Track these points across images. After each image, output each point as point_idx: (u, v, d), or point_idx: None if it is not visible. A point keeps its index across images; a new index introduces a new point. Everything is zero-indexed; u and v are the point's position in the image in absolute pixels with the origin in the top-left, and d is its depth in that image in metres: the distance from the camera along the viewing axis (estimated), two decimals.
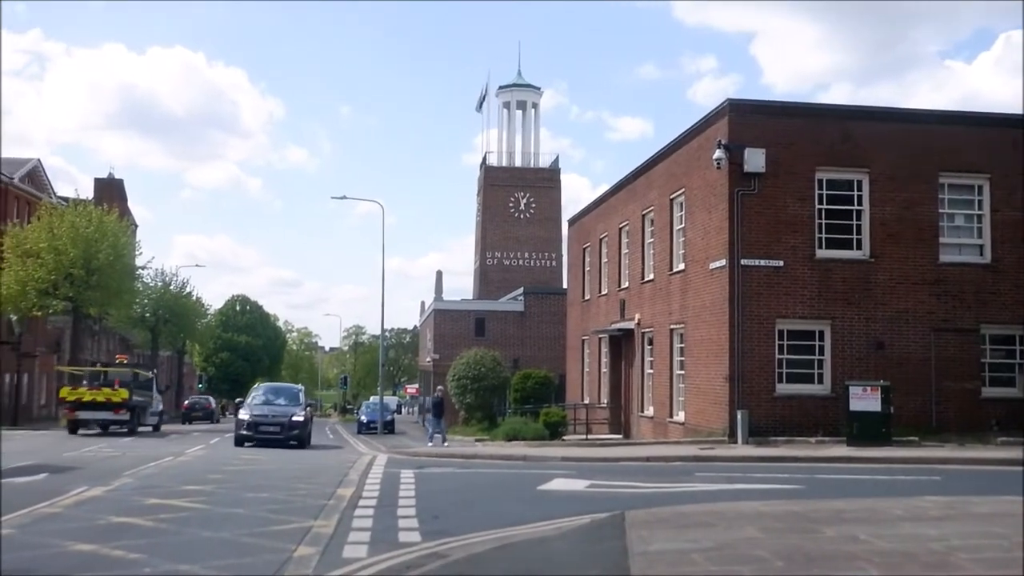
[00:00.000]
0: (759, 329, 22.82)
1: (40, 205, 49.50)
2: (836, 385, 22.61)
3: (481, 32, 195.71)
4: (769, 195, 23.12)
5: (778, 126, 23.73)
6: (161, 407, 40.62)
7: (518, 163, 73.83)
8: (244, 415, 27.61)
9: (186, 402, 59.03)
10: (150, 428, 37.62)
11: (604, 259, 34.71)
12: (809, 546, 7.45)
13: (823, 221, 23.50)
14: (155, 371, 48.56)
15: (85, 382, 34.95)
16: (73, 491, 13.92)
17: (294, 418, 27.20)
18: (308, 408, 29.78)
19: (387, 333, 70.09)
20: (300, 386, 31.41)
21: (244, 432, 26.93)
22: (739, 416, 22.05)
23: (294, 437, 26.90)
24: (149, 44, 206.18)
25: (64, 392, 34.12)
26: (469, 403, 42.74)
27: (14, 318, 43.63)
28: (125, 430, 33.59)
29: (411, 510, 11.83)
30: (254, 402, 28.46)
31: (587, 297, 37.17)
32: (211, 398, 62.00)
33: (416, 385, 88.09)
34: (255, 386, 31.59)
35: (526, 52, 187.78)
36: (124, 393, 33.17)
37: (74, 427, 33.35)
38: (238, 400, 45.89)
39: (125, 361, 41.48)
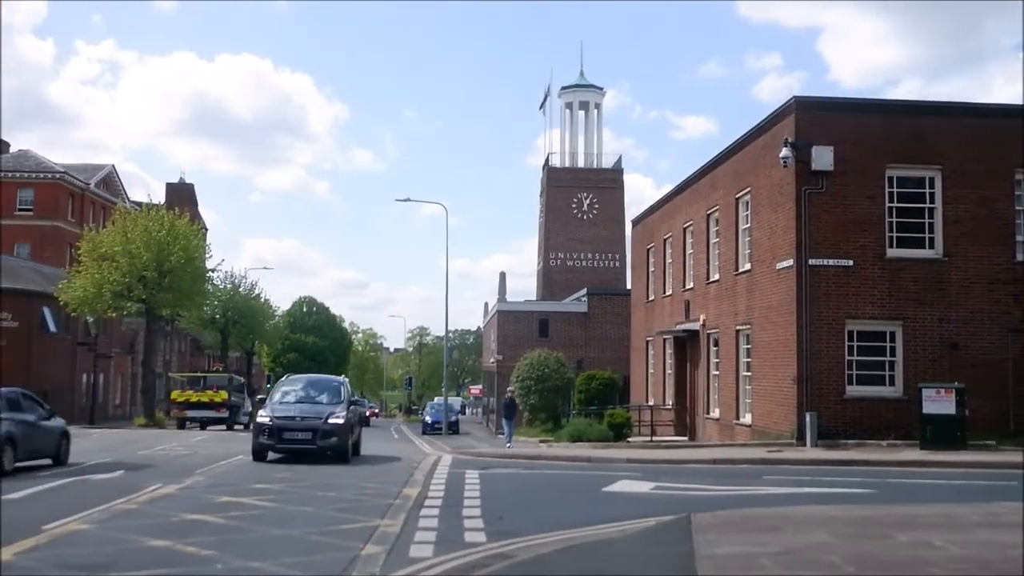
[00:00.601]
0: (828, 330, 22.45)
1: (115, 210, 50.73)
2: (908, 387, 22.13)
3: (543, 33, 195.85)
4: (837, 193, 22.75)
5: (846, 123, 23.32)
6: (251, 407, 43.26)
7: (581, 164, 73.61)
8: (264, 418, 20.33)
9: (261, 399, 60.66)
10: (242, 426, 40.50)
11: (668, 259, 34.46)
12: (882, 552, 7.32)
13: (894, 220, 23.03)
14: (244, 378, 54.02)
15: (188, 384, 41.27)
16: (148, 488, 14.28)
17: (330, 420, 19.89)
18: (353, 407, 22.41)
19: (451, 334, 70.49)
20: (342, 378, 23.91)
21: (264, 441, 20.08)
22: (808, 418, 21.71)
23: (332, 446, 19.83)
24: (218, 51, 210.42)
25: (175, 394, 41.08)
26: (533, 404, 42.72)
27: (90, 320, 44.77)
28: (224, 426, 39.35)
29: (476, 510, 11.88)
30: (279, 400, 21.24)
31: (651, 298, 36.94)
32: None
33: (480, 386, 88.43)
34: (283, 379, 25.20)
35: (588, 52, 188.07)
36: (224, 395, 39.98)
37: (181, 423, 39.55)
38: (259, 398, 44.33)
39: (220, 368, 49.28)
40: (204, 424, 39.75)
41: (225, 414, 39.92)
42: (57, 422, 19.75)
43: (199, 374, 45.96)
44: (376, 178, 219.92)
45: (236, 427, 40.13)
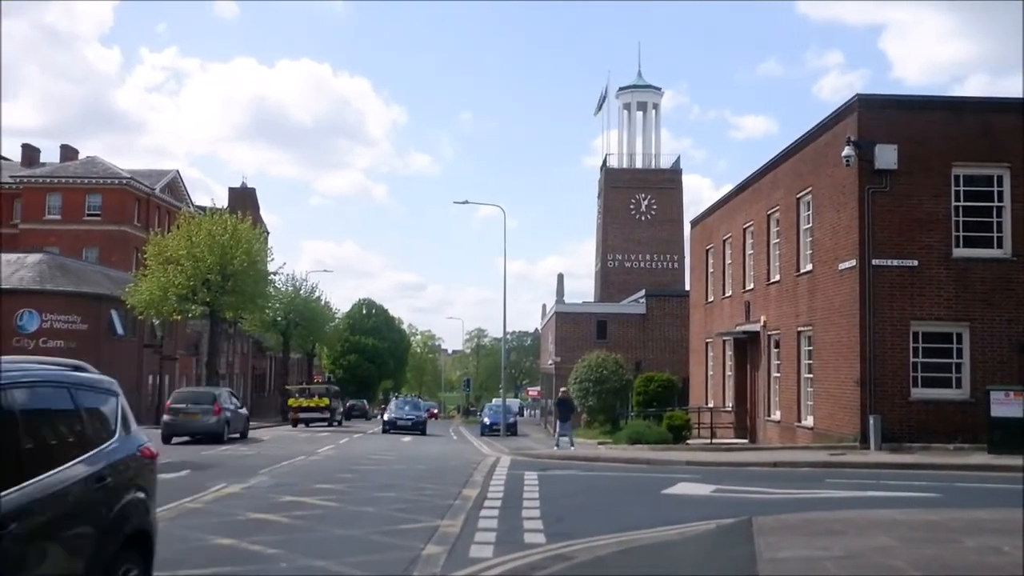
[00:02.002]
0: (892, 332, 22.09)
1: (179, 214, 51.65)
2: (976, 390, 21.66)
3: (600, 34, 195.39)
4: (902, 192, 22.37)
5: (911, 121, 22.92)
6: (342, 410, 56.38)
7: (639, 164, 73.18)
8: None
9: (349, 403, 68.71)
10: (337, 423, 51.31)
11: (728, 260, 34.16)
12: (948, 557, 7.20)
13: (960, 219, 22.57)
14: (338, 386, 65.39)
15: (299, 393, 51.74)
16: (213, 487, 14.55)
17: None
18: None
19: (509, 336, 70.66)
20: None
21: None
22: (871, 421, 21.38)
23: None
24: (278, 57, 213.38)
25: (291, 402, 51.28)
26: (591, 406, 42.58)
27: (156, 322, 45.65)
28: (326, 424, 49.19)
29: (535, 512, 11.92)
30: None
31: (710, 299, 36.65)
32: (365, 400, 75.93)
33: (538, 387, 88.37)
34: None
35: (646, 53, 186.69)
36: (326, 400, 49.94)
37: (295, 423, 49.15)
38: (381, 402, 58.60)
39: (319, 381, 65.05)
40: (309, 423, 49.08)
41: (327, 415, 49.72)
42: (244, 411, 30.12)
43: (305, 386, 55.96)
44: (433, 181, 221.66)
45: (334, 424, 50.06)
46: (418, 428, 42.18)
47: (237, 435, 30.89)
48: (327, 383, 61.55)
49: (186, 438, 28.47)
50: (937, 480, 16.10)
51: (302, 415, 49.43)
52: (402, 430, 41.02)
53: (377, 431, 42.48)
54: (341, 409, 56.19)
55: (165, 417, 29.68)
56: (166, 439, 27.94)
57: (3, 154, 70.28)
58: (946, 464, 18.57)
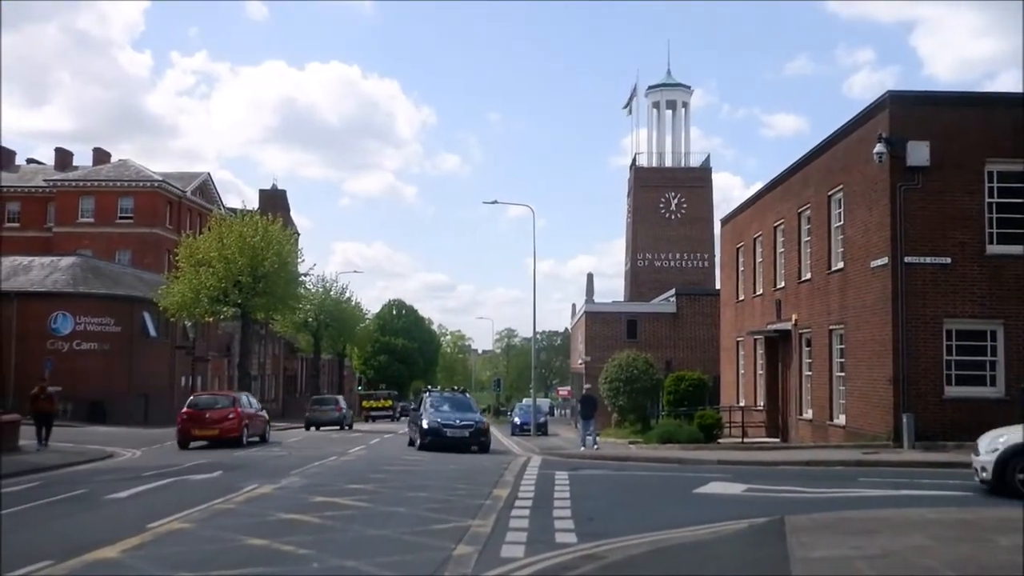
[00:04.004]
0: (925, 329, 21.89)
1: (211, 216, 52.13)
2: (1011, 388, 21.44)
3: (629, 33, 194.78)
4: (934, 189, 22.16)
5: (943, 117, 22.70)
6: (400, 408, 71.91)
7: (668, 163, 72.86)
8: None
9: (400, 405, 79.22)
10: (396, 419, 65.29)
11: (759, 259, 33.97)
12: (983, 556, 7.13)
13: (994, 216, 22.32)
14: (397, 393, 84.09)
15: (371, 398, 72.97)
16: (245, 488, 14.65)
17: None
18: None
19: (539, 336, 70.69)
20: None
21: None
22: (904, 419, 21.19)
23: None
24: (307, 60, 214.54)
25: (365, 404, 72.08)
26: (621, 405, 42.46)
27: (188, 324, 46.10)
28: (390, 419, 65.68)
29: (566, 511, 11.91)
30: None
31: (741, 298, 36.47)
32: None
33: (568, 387, 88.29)
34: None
35: (675, 51, 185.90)
36: (389, 402, 72.01)
37: (367, 419, 65.24)
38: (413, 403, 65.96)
39: (384, 386, 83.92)
40: (377, 418, 66.48)
41: (391, 413, 69.10)
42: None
43: (373, 391, 79.16)
44: (463, 181, 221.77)
45: (395, 419, 64.64)
46: (477, 442, 25.94)
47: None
48: (389, 390, 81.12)
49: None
50: (971, 479, 15.92)
51: (373, 413, 68.35)
52: (452, 445, 25.31)
53: (377, 441, 32.72)
54: (399, 408, 71.95)
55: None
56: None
57: (37, 158, 71.34)
58: None
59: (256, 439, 29.31)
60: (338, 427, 45.00)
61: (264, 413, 31.95)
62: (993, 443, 13.68)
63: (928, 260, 22.02)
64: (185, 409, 28.15)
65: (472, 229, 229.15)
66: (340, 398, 50.80)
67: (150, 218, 61.09)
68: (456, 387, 37.58)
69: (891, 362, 21.88)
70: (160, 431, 35.94)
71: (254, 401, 32.32)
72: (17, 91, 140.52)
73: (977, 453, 13.99)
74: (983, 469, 13.64)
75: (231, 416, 27.57)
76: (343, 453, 24.20)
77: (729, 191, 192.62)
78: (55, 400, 27.64)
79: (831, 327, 26.03)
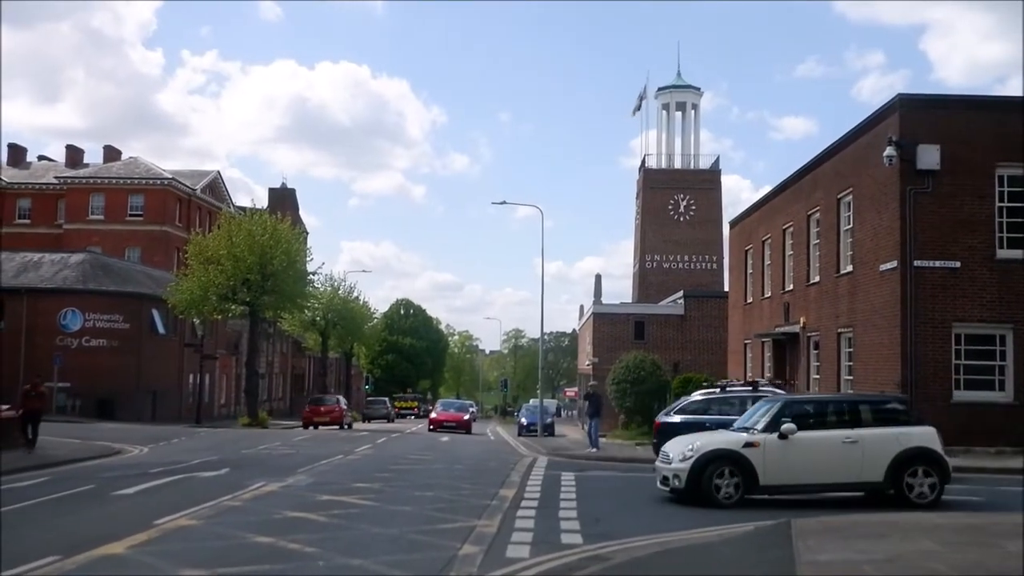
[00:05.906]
0: (934, 334, 21.82)
1: (220, 215, 52.26)
2: (1020, 393, 21.36)
3: (639, 34, 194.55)
4: (944, 193, 22.09)
5: (953, 121, 22.62)
6: (420, 408, 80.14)
7: (678, 165, 72.73)
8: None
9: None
10: (419, 416, 71.92)
11: (767, 261, 33.91)
12: (990, 561, 7.11)
13: (1004, 220, 22.24)
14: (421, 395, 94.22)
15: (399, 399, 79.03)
16: (252, 486, 14.69)
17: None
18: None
19: (546, 336, 70.74)
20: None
21: None
22: None
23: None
24: (318, 59, 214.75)
25: (397, 404, 75.59)
26: (629, 407, 42.37)
27: (197, 322, 46.18)
28: (415, 416, 72.68)
29: (572, 512, 11.91)
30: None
31: (749, 300, 36.41)
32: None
33: (575, 388, 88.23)
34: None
35: (685, 53, 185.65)
36: (415, 403, 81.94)
37: (396, 417, 67.73)
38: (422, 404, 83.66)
39: (410, 391, 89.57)
40: (404, 416, 72.61)
41: (416, 411, 77.81)
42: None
43: (399, 394, 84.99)
44: (472, 181, 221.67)
45: (420, 417, 69.58)
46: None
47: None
48: (415, 393, 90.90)
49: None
50: (980, 484, 15.90)
51: (404, 411, 76.52)
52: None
53: (416, 429, 43.95)
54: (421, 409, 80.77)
55: None
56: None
57: (48, 155, 71.58)
58: (988, 468, 18.36)
59: (348, 425, 44.19)
60: (337, 427, 44.49)
61: (349, 409, 46.79)
62: (684, 451, 13.59)
63: (937, 264, 21.95)
64: (308, 406, 45.81)
65: (481, 229, 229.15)
66: (340, 398, 50.11)
67: (160, 216, 61.28)
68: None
69: (899, 366, 21.82)
70: (168, 428, 36.06)
71: (343, 400, 47.94)
72: (30, 88, 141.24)
73: (667, 461, 13.83)
74: (675, 477, 13.46)
75: (336, 409, 44.20)
76: (350, 452, 24.22)
77: (738, 193, 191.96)
78: (46, 398, 27.50)
79: (839, 330, 25.97)
